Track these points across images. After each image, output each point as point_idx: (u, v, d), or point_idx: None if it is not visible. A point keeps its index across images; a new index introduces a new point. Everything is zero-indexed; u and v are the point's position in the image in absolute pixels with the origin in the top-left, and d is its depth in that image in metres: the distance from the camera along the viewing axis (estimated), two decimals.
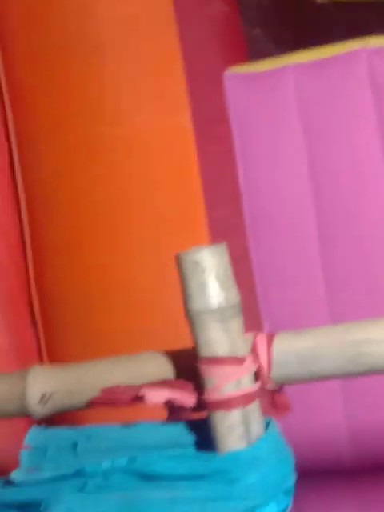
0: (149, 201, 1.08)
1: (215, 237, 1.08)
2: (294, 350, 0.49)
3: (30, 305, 1.18)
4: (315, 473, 1.13)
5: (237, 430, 0.47)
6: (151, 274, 1.09)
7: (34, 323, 1.19)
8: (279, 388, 0.52)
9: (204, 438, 0.50)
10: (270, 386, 0.51)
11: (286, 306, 1.16)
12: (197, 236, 1.09)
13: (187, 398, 0.49)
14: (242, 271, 1.16)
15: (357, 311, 1.12)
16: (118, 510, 0.45)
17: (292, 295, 1.14)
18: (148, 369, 0.53)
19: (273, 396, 0.52)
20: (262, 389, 0.49)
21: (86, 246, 1.09)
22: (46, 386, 0.56)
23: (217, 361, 0.47)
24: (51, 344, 1.15)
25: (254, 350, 0.49)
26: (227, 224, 1.14)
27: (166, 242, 1.08)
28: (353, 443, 1.11)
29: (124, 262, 1.09)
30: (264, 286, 1.15)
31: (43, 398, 0.56)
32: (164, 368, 0.52)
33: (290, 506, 0.47)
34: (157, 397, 0.49)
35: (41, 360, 1.19)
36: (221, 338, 0.47)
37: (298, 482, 1.27)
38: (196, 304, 0.47)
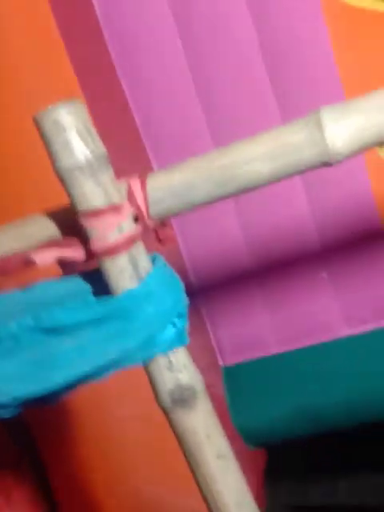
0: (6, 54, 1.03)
1: (83, 77, 1.06)
2: (167, 185, 0.51)
3: None
4: (220, 283, 1.20)
5: (126, 271, 0.50)
6: (24, 135, 1.07)
7: None
8: (162, 223, 0.55)
9: (99, 284, 0.53)
10: (151, 224, 0.53)
11: (168, 132, 1.16)
12: (64, 79, 1.07)
13: (76, 253, 0.51)
14: (119, 107, 1.16)
15: (232, 123, 1.14)
16: (31, 365, 0.48)
17: (171, 119, 1.15)
18: (34, 232, 0.54)
19: (156, 232, 0.55)
20: (144, 228, 0.52)
21: None
22: None
23: (95, 213, 0.49)
24: None
25: (130, 195, 0.51)
26: (92, 61, 1.11)
27: (35, 93, 1.05)
28: (249, 247, 1.18)
29: None
30: (142, 117, 1.15)
31: None
32: (49, 229, 0.54)
33: (187, 325, 0.52)
34: (47, 257, 0.51)
35: None
36: (94, 190, 0.48)
37: (205, 293, 1.33)
38: (63, 162, 0.48)
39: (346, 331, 1.16)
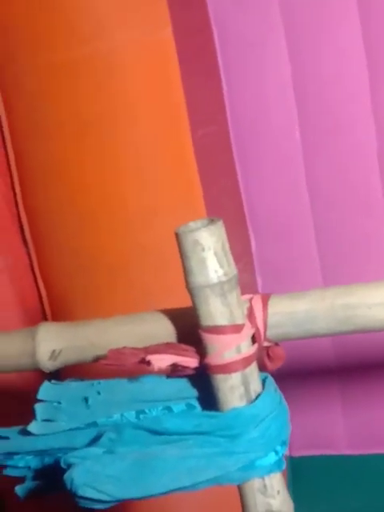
0: (133, 118, 1.08)
1: (201, 154, 1.10)
2: (288, 312, 0.53)
3: (20, 225, 1.21)
4: (301, 375, 1.20)
5: (237, 390, 0.51)
6: (138, 193, 1.11)
7: (24, 242, 1.22)
8: (274, 342, 0.57)
9: (205, 391, 0.54)
10: (265, 344, 0.55)
11: (272, 218, 1.19)
12: (182, 154, 1.11)
13: (190, 362, 0.53)
14: (229, 185, 1.19)
15: (337, 220, 1.16)
16: (134, 467, 0.50)
17: (277, 207, 1.18)
18: (152, 329, 0.56)
19: (267, 351, 0.57)
20: (259, 348, 0.54)
21: (73, 165, 1.10)
22: (54, 343, 0.60)
23: (218, 330, 0.50)
24: (43, 263, 1.19)
25: (250, 314, 0.53)
26: (213, 140, 1.15)
27: (152, 159, 1.10)
28: (334, 341, 1.18)
29: (111, 180, 1.10)
30: (250, 199, 1.18)
31: (53, 355, 0.60)
32: (167, 329, 0.56)
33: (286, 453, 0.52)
34: (162, 361, 0.53)
35: (34, 278, 1.23)
36: (221, 309, 0.50)
37: (284, 382, 1.34)
38: (197, 279, 0.50)
39: None
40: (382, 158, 1.13)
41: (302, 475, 1.20)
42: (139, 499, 0.50)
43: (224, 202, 1.19)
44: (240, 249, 1.23)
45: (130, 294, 1.09)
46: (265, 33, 1.14)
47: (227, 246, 0.51)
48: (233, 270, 0.51)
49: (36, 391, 0.59)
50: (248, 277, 1.24)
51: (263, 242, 1.22)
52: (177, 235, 0.50)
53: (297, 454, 1.20)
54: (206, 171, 1.11)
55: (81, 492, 0.49)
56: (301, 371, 1.19)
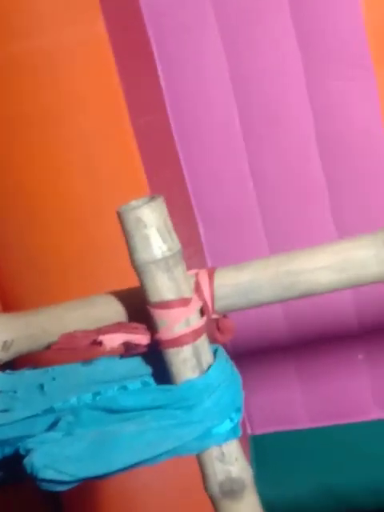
0: (75, 112, 1.08)
1: (144, 146, 1.10)
2: (234, 283, 0.54)
3: None
4: (257, 354, 1.22)
5: (189, 362, 0.52)
6: (85, 186, 1.11)
7: None
8: (223, 315, 0.58)
9: (159, 367, 0.55)
10: (214, 316, 0.56)
11: (219, 206, 1.21)
12: (125, 146, 1.11)
13: (142, 339, 0.54)
14: (174, 176, 1.20)
15: (281, 204, 1.18)
16: (93, 446, 0.50)
17: (223, 195, 1.19)
18: (103, 312, 0.57)
19: (217, 323, 0.58)
20: (208, 320, 0.55)
21: (18, 160, 1.10)
22: (5, 334, 0.60)
23: (166, 305, 0.51)
24: None
25: (197, 288, 0.54)
26: (154, 132, 1.15)
27: (96, 153, 1.10)
28: (288, 321, 1.20)
29: (57, 176, 1.10)
30: (197, 189, 1.19)
31: (5, 345, 0.61)
32: (117, 310, 0.56)
33: (241, 419, 0.54)
34: (114, 340, 0.53)
35: None
36: (167, 284, 0.51)
37: (241, 362, 1.36)
38: (141, 255, 0.51)
39: (377, 414, 1.17)
40: (321, 145, 1.15)
41: (265, 452, 1.22)
42: (101, 477, 0.51)
43: (170, 192, 1.20)
44: (187, 237, 1.24)
45: (83, 288, 1.09)
46: (199, 23, 1.15)
47: (169, 222, 0.52)
48: (177, 245, 0.52)
49: None
50: (198, 262, 1.25)
51: (212, 230, 1.24)
52: (119, 214, 0.51)
53: (258, 431, 1.22)
54: (150, 163, 1.12)
55: (41, 474, 0.49)
56: (256, 351, 1.21)
